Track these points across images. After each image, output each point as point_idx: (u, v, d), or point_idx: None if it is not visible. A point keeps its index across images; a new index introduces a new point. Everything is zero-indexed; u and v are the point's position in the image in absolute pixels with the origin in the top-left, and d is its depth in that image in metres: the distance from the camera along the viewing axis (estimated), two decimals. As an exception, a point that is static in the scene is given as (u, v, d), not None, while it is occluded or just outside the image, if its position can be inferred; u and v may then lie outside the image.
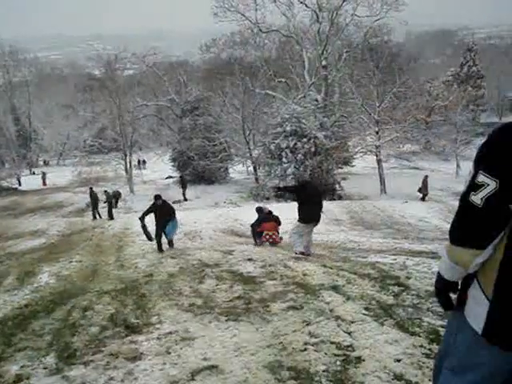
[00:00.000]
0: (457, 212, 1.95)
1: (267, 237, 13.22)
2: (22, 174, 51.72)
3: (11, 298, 8.60)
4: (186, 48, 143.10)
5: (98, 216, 25.11)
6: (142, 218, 13.00)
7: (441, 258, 2.08)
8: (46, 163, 70.35)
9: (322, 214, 10.54)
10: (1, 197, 38.45)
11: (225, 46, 46.71)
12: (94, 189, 26.15)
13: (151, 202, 13.47)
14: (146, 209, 13.47)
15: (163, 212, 12.90)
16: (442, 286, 2.10)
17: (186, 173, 39.95)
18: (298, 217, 10.39)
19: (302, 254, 10.20)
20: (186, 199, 33.46)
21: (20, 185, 47.12)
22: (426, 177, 29.68)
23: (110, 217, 24.50)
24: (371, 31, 40.57)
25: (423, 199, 28.65)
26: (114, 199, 31.46)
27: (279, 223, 13.64)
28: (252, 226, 13.94)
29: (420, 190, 29.08)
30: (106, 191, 26.05)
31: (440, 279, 2.10)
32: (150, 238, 13.10)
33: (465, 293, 2.05)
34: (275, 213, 14.20)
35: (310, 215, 10.24)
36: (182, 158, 40.26)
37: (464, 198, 1.90)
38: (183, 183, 34.69)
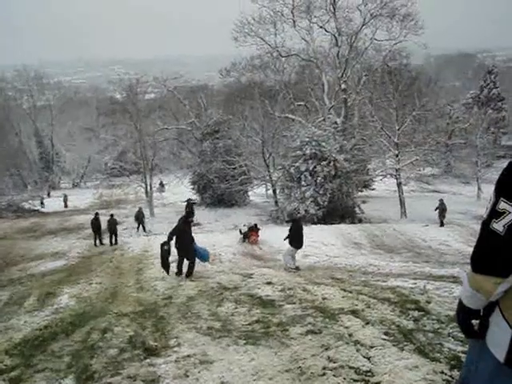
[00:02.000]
0: (478, 239, 1.91)
1: (252, 238, 22.24)
2: (44, 195, 52.31)
3: (31, 319, 8.67)
4: (206, 72, 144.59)
5: (99, 242, 24.20)
6: (169, 240, 12.16)
7: (462, 286, 2.03)
8: (75, 185, 70.96)
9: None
10: (23, 218, 38.85)
11: (244, 70, 46.91)
12: (99, 215, 25.13)
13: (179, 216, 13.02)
14: (174, 226, 12.63)
15: (188, 229, 12.45)
16: (464, 314, 2.05)
17: (206, 196, 40.09)
18: (290, 244, 13.73)
19: (297, 268, 13.37)
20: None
21: (43, 207, 47.63)
22: (442, 200, 28.48)
23: (114, 243, 23.46)
24: (390, 55, 40.62)
25: (442, 224, 27.29)
26: (137, 221, 31.47)
27: (258, 230, 23.07)
28: (245, 232, 22.54)
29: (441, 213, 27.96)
30: (111, 215, 25.21)
31: (462, 307, 2.05)
32: (167, 271, 12.40)
33: (487, 320, 2.01)
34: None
35: (298, 243, 13.67)
36: (202, 181, 40.39)
37: (485, 226, 1.86)
38: (190, 207, 34.59)
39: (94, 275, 14.47)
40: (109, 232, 23.56)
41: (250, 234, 22.78)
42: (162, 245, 12.28)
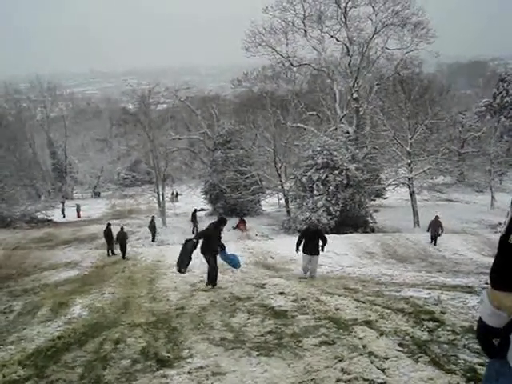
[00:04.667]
0: (497, 255, 1.84)
1: (241, 227, 33.30)
2: (57, 206, 52.48)
3: (44, 330, 8.68)
4: (218, 82, 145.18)
5: (111, 253, 23.76)
6: (196, 240, 11.48)
7: (482, 303, 1.94)
8: (96, 194, 71.00)
9: (319, 248, 13.86)
10: (36, 228, 39.07)
11: (256, 80, 47.18)
12: (111, 226, 24.78)
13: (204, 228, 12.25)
14: (203, 231, 12.16)
15: (219, 238, 11.90)
16: (485, 332, 1.94)
17: (219, 205, 40.15)
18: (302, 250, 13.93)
19: (305, 278, 13.75)
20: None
21: (64, 217, 47.88)
22: (436, 217, 24.75)
23: (122, 255, 22.80)
24: (402, 63, 40.53)
25: (433, 241, 23.89)
26: (152, 231, 31.46)
27: (245, 222, 34.02)
28: (236, 224, 33.01)
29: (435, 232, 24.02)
30: (121, 228, 25.00)
31: (482, 325, 1.94)
32: (182, 265, 11.47)
33: (507, 336, 1.96)
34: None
35: (307, 249, 13.78)
36: (214, 191, 40.48)
37: (504, 241, 1.82)
38: (194, 218, 34.66)
39: (106, 285, 14.49)
40: (119, 245, 23.32)
41: (239, 224, 34.39)
42: (188, 240, 11.65)
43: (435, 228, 24.05)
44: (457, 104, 57.29)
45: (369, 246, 23.04)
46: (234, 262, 12.41)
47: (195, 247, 11.54)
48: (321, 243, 13.85)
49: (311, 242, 13.81)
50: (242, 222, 35.14)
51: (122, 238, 23.31)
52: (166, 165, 40.68)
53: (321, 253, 14.04)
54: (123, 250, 22.98)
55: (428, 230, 24.71)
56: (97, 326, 8.30)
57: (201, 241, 11.66)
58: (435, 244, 23.58)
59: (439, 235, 23.90)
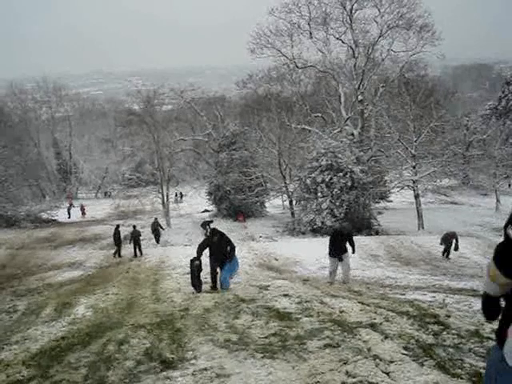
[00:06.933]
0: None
1: (240, 218, 38.09)
2: (61, 206, 52.43)
3: (48, 330, 8.67)
4: (223, 84, 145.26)
5: (118, 255, 23.79)
6: (198, 256, 11.57)
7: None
8: (107, 195, 70.52)
9: (346, 250, 13.18)
10: (41, 228, 39.09)
11: (261, 81, 47.20)
12: (120, 228, 25.08)
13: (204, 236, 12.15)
14: (200, 243, 12.04)
15: (220, 247, 11.75)
16: (484, 298, 2.21)
17: (223, 207, 40.15)
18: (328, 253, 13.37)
19: (330, 283, 12.85)
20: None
21: (70, 217, 47.83)
22: (454, 233, 21.87)
23: (139, 254, 23.49)
24: (407, 66, 40.53)
25: (447, 255, 21.39)
26: (154, 232, 31.15)
27: (243, 213, 39.02)
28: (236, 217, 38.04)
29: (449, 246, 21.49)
30: (134, 226, 25.09)
31: (484, 291, 2.23)
32: (195, 285, 11.67)
33: (505, 331, 1.97)
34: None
35: (335, 252, 13.10)
36: (219, 192, 40.46)
37: (504, 229, 1.97)
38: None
39: (110, 286, 14.50)
40: (133, 243, 23.55)
41: (237, 216, 38.78)
42: (192, 260, 11.69)
43: (450, 241, 21.57)
44: (462, 107, 57.15)
45: (373, 248, 23.00)
46: (231, 270, 12.19)
47: (200, 269, 11.64)
48: (349, 248, 13.25)
49: (339, 244, 13.15)
50: (241, 214, 39.02)
51: (136, 236, 23.55)
52: (170, 166, 40.67)
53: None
54: (139, 248, 23.61)
55: (441, 244, 21.96)
56: (101, 327, 8.29)
57: (207, 251, 11.75)
58: (447, 256, 21.32)
59: (456, 249, 21.37)
